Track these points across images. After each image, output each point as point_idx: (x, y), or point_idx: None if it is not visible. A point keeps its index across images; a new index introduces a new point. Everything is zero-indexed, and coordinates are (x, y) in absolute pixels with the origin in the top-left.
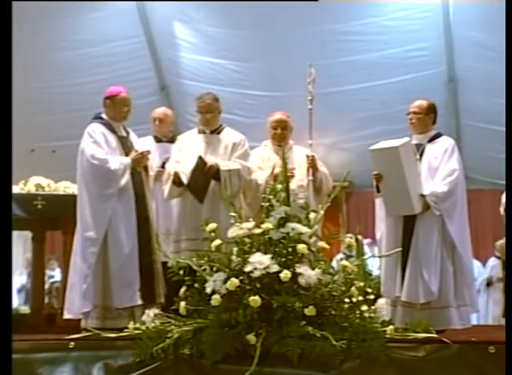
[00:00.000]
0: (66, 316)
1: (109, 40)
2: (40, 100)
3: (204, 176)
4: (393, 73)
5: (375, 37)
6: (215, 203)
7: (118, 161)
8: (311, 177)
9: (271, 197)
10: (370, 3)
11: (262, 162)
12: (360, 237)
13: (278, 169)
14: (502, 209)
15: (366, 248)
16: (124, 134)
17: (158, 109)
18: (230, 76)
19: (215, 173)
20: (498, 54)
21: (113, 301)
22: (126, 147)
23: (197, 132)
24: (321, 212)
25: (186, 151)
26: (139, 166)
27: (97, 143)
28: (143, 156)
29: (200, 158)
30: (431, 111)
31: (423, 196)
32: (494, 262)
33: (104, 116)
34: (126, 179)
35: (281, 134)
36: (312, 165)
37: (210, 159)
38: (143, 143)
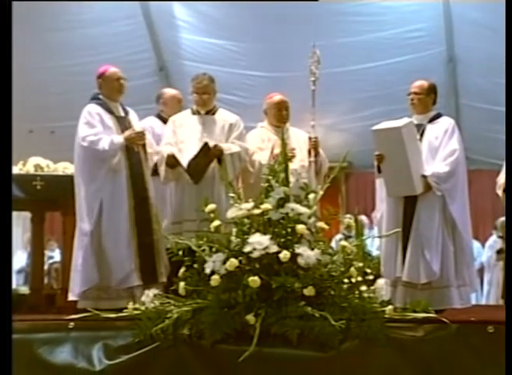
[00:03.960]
0: (70, 297)
1: (108, 20)
2: (39, 80)
3: (206, 160)
4: (392, 54)
5: (374, 18)
6: (216, 184)
7: (109, 140)
8: (312, 159)
9: (270, 177)
10: None
11: (262, 143)
12: (363, 216)
13: (277, 150)
14: (500, 192)
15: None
16: (122, 114)
17: (169, 92)
18: (229, 57)
19: (217, 155)
20: (497, 34)
21: (111, 282)
22: (123, 127)
23: (191, 113)
24: (321, 192)
25: (182, 133)
26: (134, 145)
27: (89, 124)
28: (137, 136)
29: (206, 145)
30: (431, 91)
31: (424, 177)
32: (493, 242)
33: (100, 96)
34: (117, 158)
35: (285, 115)
36: (315, 146)
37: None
38: (147, 123)
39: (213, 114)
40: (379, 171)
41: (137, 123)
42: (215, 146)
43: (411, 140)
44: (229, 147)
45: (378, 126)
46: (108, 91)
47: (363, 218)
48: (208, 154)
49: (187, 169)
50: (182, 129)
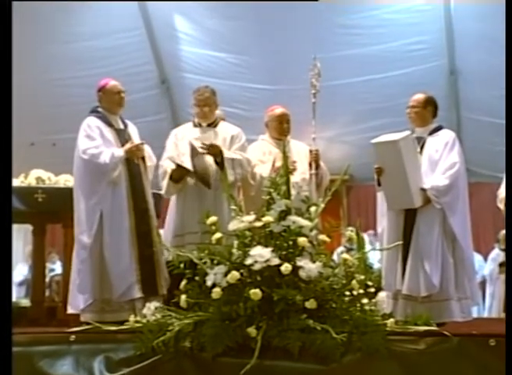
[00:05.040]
0: (69, 310)
1: (110, 33)
2: (40, 93)
3: (202, 158)
4: (394, 67)
5: (375, 31)
6: (218, 196)
7: (109, 153)
8: (313, 171)
9: (271, 190)
10: None
11: (264, 156)
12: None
13: (279, 163)
14: (501, 205)
15: (367, 238)
16: (121, 127)
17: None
18: (230, 70)
19: (216, 152)
20: (499, 46)
21: (112, 295)
22: (122, 140)
23: (193, 126)
24: (322, 205)
25: (183, 146)
26: (134, 157)
27: (90, 137)
28: (137, 148)
29: (192, 146)
30: (428, 104)
31: (424, 190)
32: (496, 255)
33: (100, 109)
34: (118, 171)
35: (286, 128)
36: (316, 159)
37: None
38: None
39: (215, 126)
40: (379, 184)
41: (136, 136)
42: (211, 145)
43: (410, 153)
44: (230, 153)
45: (378, 139)
46: (108, 105)
47: (366, 235)
48: (199, 153)
49: (196, 174)
50: (183, 142)
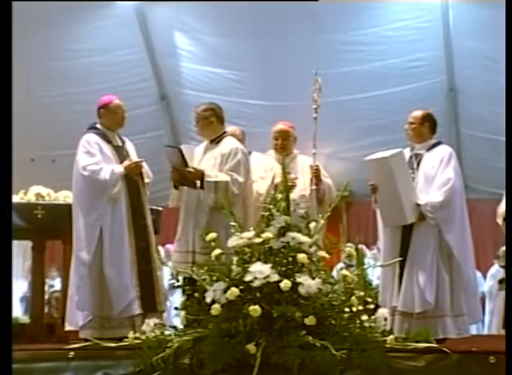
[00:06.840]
0: (67, 327)
1: (110, 49)
2: (40, 109)
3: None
4: (393, 83)
5: (375, 47)
6: (198, 219)
7: (109, 170)
8: (314, 187)
9: (271, 206)
10: (370, 13)
11: (265, 172)
12: (362, 246)
13: (278, 179)
14: (500, 220)
15: (370, 255)
16: (119, 144)
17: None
18: (230, 86)
19: (197, 178)
20: (497, 63)
21: (112, 311)
22: (121, 156)
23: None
24: (322, 221)
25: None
26: (133, 174)
27: (89, 153)
28: (136, 165)
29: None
30: (425, 120)
31: (419, 205)
32: (495, 271)
33: (98, 126)
34: (118, 188)
35: (282, 144)
36: (316, 175)
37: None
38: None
39: (217, 142)
40: (376, 201)
41: (133, 153)
42: (194, 168)
43: (401, 169)
44: (216, 175)
45: (371, 157)
46: (109, 122)
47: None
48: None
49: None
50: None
